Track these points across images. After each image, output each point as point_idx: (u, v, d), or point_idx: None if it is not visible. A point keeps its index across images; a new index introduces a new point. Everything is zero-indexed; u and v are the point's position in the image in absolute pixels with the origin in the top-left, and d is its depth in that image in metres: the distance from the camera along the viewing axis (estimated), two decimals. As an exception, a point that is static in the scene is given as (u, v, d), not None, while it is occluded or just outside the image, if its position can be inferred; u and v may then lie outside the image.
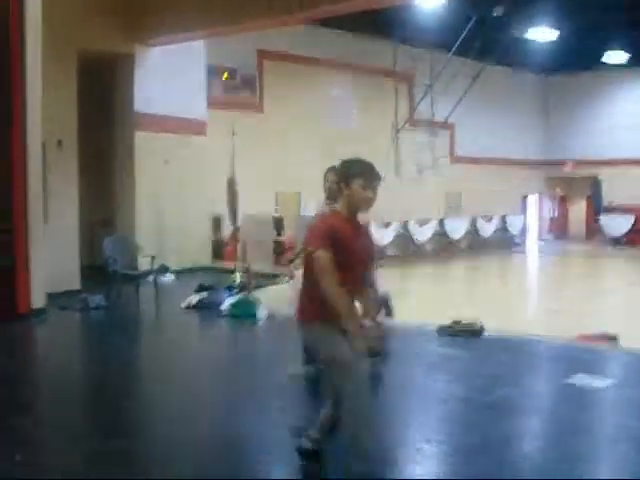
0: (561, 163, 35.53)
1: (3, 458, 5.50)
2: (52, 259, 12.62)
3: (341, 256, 4.78)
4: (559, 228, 38.05)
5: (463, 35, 24.76)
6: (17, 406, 7.17)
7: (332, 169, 7.81)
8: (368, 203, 4.99)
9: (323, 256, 4.75)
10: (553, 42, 26.64)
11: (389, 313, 12.13)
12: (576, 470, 5.48)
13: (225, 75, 21.94)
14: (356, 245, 4.92)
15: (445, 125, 28.04)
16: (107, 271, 13.20)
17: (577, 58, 30.03)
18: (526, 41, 26.67)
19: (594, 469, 5.59)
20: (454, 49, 25.40)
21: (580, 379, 7.81)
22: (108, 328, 11.88)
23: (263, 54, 23.63)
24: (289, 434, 5.66)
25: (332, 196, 7.85)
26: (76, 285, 14.03)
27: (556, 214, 38.22)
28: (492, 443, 5.96)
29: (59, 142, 14.17)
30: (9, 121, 11.35)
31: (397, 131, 26.36)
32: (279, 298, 13.18)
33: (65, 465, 5.50)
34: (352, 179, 4.95)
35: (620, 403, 7.40)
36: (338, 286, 4.72)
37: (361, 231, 5.09)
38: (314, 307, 4.89)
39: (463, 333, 10.23)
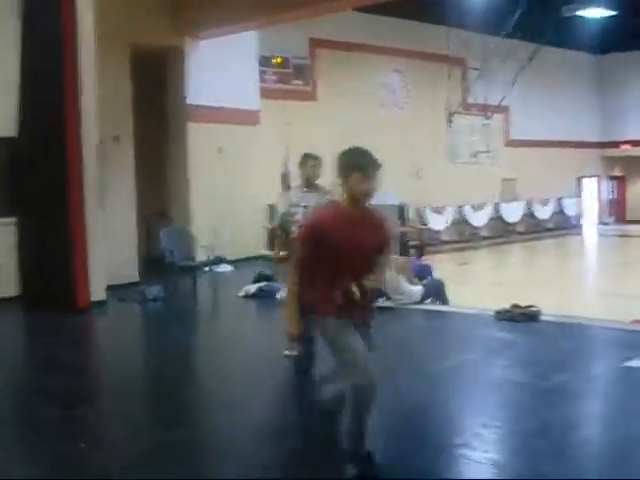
0: (618, 144, 35.06)
1: (69, 445, 5.62)
2: (110, 252, 12.82)
3: (330, 246, 4.75)
4: (618, 210, 37.52)
5: (515, 16, 24.49)
6: (80, 397, 7.34)
7: (309, 155, 8.21)
8: (366, 195, 4.87)
9: (297, 249, 5.02)
10: (607, 20, 26.26)
11: (444, 301, 12.16)
12: (637, 453, 5.44)
13: (278, 60, 21.97)
14: (351, 236, 4.79)
15: (499, 108, 27.78)
16: (164, 263, 13.37)
17: (631, 36, 29.52)
18: (579, 20, 26.33)
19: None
20: (507, 31, 25.13)
21: (638, 362, 7.73)
22: (167, 319, 12.04)
23: (315, 42, 23.63)
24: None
25: (309, 183, 8.16)
26: (134, 277, 14.22)
27: (615, 195, 37.68)
28: (550, 427, 5.93)
29: (115, 137, 14.36)
30: (65, 119, 11.53)
31: (450, 115, 26.20)
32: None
33: (127, 455, 5.60)
34: (349, 172, 4.86)
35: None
36: (295, 277, 4.90)
37: (364, 221, 4.92)
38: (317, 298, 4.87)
39: (521, 317, 10.17)
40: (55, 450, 5.59)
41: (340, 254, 4.76)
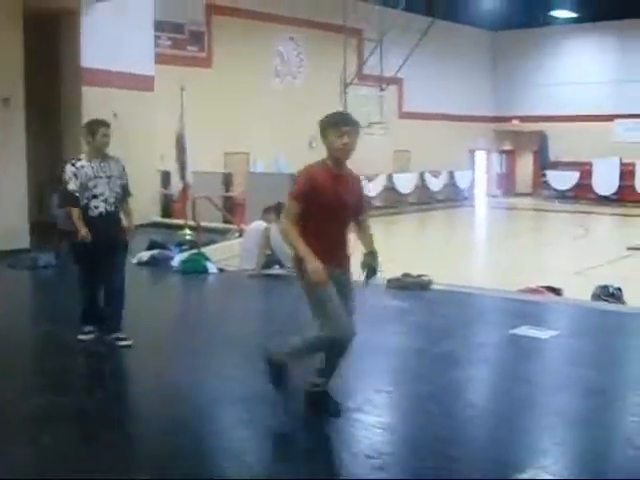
0: (509, 119, 35.88)
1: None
2: (0, 218, 12.54)
3: (321, 201, 5.19)
4: (507, 183, 38.44)
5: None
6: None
7: (102, 122, 7.62)
8: (344, 150, 5.27)
9: (290, 204, 5.27)
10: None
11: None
12: (520, 416, 5.68)
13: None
14: (337, 193, 5.25)
15: (393, 80, 28.05)
16: (56, 229, 13.13)
17: (524, 14, 30.19)
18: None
19: (538, 415, 5.77)
20: (403, 4, 25.34)
21: (524, 330, 8.02)
22: (58, 286, 11.84)
23: (211, 8, 23.44)
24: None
25: (102, 154, 7.48)
26: (25, 244, 13.92)
27: (504, 169, 38.59)
28: (439, 392, 6.13)
29: (5, 100, 13.98)
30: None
31: (345, 86, 26.33)
32: (228, 253, 13.25)
33: (11, 418, 5.61)
34: (326, 131, 5.29)
35: (563, 353, 7.63)
36: (295, 230, 5.19)
37: (345, 179, 5.40)
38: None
39: (412, 286, 10.39)
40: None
41: (328, 208, 5.20)
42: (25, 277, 12.09)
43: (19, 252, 13.15)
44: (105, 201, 7.37)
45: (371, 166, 28.72)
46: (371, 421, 5.42)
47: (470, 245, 21.89)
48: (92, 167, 7.36)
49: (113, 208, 7.46)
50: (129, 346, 7.31)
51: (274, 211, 12.00)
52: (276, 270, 11.85)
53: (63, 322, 8.72)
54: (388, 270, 11.28)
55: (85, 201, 7.31)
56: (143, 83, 18.11)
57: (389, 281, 10.65)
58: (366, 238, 5.59)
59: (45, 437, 5.11)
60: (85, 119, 16.61)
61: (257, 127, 24.03)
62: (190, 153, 16.22)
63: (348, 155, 5.31)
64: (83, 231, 7.23)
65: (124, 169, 7.71)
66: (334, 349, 5.32)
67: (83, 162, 7.38)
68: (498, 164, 38.55)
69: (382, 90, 27.33)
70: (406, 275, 10.75)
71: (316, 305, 5.26)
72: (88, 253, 7.37)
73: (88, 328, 7.59)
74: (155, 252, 12.85)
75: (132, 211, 7.86)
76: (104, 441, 5.15)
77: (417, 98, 31.06)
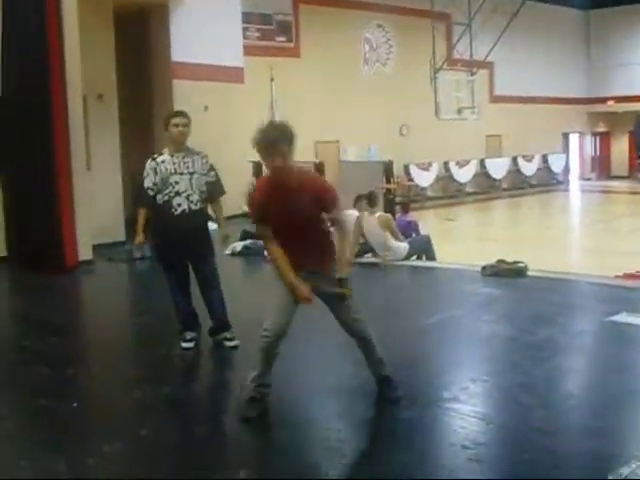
0: (604, 100, 35.06)
1: (63, 405, 5.66)
2: (97, 211, 12.79)
3: (270, 214, 5.10)
4: (601, 166, 37.64)
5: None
6: (71, 356, 7.38)
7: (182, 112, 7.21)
8: (267, 167, 5.19)
9: (257, 229, 5.36)
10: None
11: (431, 257, 12.23)
12: (621, 406, 5.53)
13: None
14: (279, 200, 5.05)
15: (484, 64, 27.69)
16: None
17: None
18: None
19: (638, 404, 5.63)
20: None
21: (623, 317, 7.81)
22: (154, 277, 12.02)
23: (298, -2, 23.50)
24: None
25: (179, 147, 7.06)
26: (121, 237, 14.19)
27: (598, 152, 37.78)
28: (536, 381, 6.02)
29: (99, 95, 14.24)
30: (49, 76, 11.44)
31: (435, 71, 26.10)
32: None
33: (118, 412, 5.67)
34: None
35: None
36: (274, 248, 5.16)
37: (286, 183, 5.11)
38: None
39: (507, 273, 10.24)
40: (49, 409, 5.63)
41: (278, 219, 5.06)
42: (122, 269, 12.34)
43: (115, 245, 13.41)
44: (187, 198, 6.91)
45: (463, 151, 28.51)
46: (467, 411, 5.35)
47: (565, 230, 21.51)
48: (173, 162, 6.93)
49: (198, 206, 6.99)
50: (236, 347, 7.04)
51: (366, 200, 12.00)
52: (369, 258, 11.84)
53: (160, 313, 8.86)
54: (482, 257, 11.22)
55: (166, 198, 6.90)
56: (233, 75, 18.26)
57: (484, 268, 10.52)
58: (339, 246, 5.25)
59: (144, 430, 5.18)
60: (177, 112, 17.06)
61: (347, 115, 24.03)
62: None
63: (271, 169, 5.15)
64: (139, 237, 7.16)
65: (212, 166, 7.25)
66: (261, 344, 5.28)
67: (164, 156, 6.97)
68: (592, 147, 37.74)
69: (472, 74, 27.02)
70: (501, 262, 10.60)
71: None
72: (168, 255, 7.12)
73: (189, 335, 7.20)
74: (248, 242, 12.95)
75: (222, 213, 7.53)
76: (201, 434, 5.20)
77: (508, 81, 30.60)
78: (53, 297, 10.29)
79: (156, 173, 6.92)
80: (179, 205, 6.90)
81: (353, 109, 24.31)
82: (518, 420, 5.28)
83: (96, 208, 12.79)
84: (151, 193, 6.94)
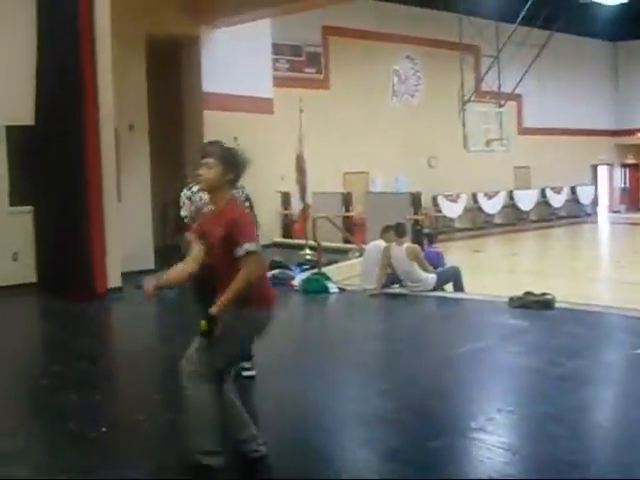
0: (632, 131, 34.96)
1: (92, 430, 5.73)
2: (127, 239, 12.91)
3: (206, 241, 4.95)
4: (630, 198, 37.45)
5: (529, 3, 24.46)
6: (99, 381, 7.46)
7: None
8: (199, 180, 5.06)
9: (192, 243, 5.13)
10: (622, 7, 26.19)
11: (459, 287, 12.22)
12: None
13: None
14: (207, 229, 4.95)
15: (512, 96, 27.74)
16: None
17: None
18: (594, 6, 26.25)
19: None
20: (520, 18, 25.08)
21: (652, 350, 7.79)
22: (182, 305, 12.10)
23: (328, 30, 23.69)
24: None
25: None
26: (150, 265, 14.28)
27: (627, 184, 37.61)
28: (563, 412, 6.00)
29: (131, 126, 14.41)
30: (83, 107, 11.61)
31: (464, 103, 26.18)
32: (349, 273, 13.33)
33: (146, 436, 5.76)
34: None
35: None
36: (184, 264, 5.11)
37: (217, 214, 4.96)
38: None
39: (535, 305, 10.22)
40: (78, 434, 5.69)
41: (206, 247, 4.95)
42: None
43: (145, 273, 13.50)
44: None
45: (492, 183, 28.51)
46: (493, 441, 5.35)
47: (593, 262, 21.41)
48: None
49: None
50: (252, 377, 7.02)
51: (394, 230, 12.05)
52: (397, 289, 11.87)
53: (188, 342, 8.92)
54: (510, 289, 11.21)
55: None
56: (262, 106, 18.41)
57: (511, 299, 10.52)
58: (232, 284, 4.67)
59: (172, 453, 5.23)
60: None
61: (375, 146, 24.14)
62: (310, 174, 16.42)
63: (203, 185, 5.04)
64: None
65: (247, 197, 7.15)
66: None
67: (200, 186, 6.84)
68: (621, 178, 37.58)
69: (501, 106, 27.07)
70: (528, 293, 10.58)
71: None
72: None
73: (248, 364, 7.11)
74: (276, 272, 13.01)
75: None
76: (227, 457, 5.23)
77: (536, 113, 30.63)
78: (82, 323, 10.39)
79: (191, 202, 6.94)
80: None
81: (382, 140, 24.42)
82: (544, 451, 5.26)
83: (126, 237, 12.91)
84: (187, 221, 6.91)
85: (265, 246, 16.64)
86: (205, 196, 6.71)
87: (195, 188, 6.97)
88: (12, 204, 12.62)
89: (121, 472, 4.94)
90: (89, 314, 10.98)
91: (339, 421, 6.08)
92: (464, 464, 5.21)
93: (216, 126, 17.02)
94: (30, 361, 8.55)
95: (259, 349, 7.45)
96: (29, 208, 12.56)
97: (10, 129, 12.48)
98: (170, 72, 17.51)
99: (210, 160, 4.96)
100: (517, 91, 27.72)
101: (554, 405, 6.21)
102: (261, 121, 18.22)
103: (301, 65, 23.17)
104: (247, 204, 7.18)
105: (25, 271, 12.37)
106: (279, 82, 20.03)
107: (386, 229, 12.35)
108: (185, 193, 7.09)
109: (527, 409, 6.31)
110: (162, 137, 16.80)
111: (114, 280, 12.19)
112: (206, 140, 7.51)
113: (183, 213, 7.02)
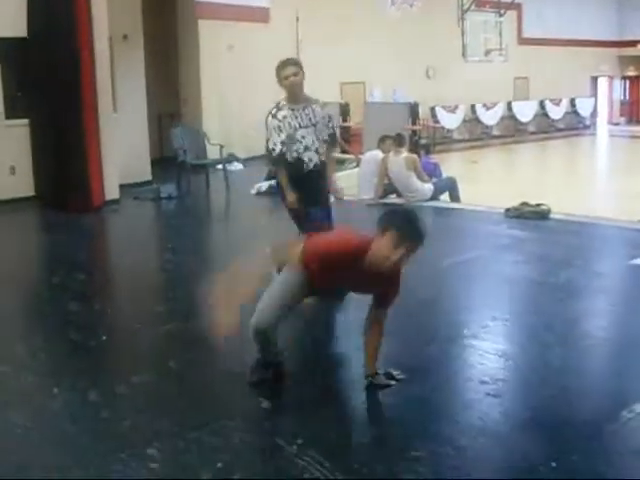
0: (635, 43, 34.51)
1: (93, 339, 5.84)
2: (123, 151, 12.88)
3: None
4: (630, 110, 37.18)
5: None
6: (99, 291, 7.57)
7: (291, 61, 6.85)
8: None
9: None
10: None
11: (455, 198, 12.26)
12: (635, 345, 5.61)
13: None
14: None
15: (512, 5, 27.33)
16: (177, 162, 13.47)
17: None
18: None
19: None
20: None
21: (646, 260, 7.86)
22: (180, 216, 12.20)
23: None
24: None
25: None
26: (147, 176, 14.30)
27: (627, 96, 37.30)
28: (556, 322, 6.09)
29: (125, 36, 14.23)
30: (76, 17, 11.45)
31: (463, 12, 25.81)
32: (346, 183, 13.33)
33: (144, 344, 5.88)
34: None
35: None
36: None
37: None
38: None
39: (531, 215, 10.27)
40: (79, 342, 5.79)
41: None
42: (149, 208, 12.46)
43: (142, 184, 13.53)
44: (316, 152, 6.60)
45: (490, 94, 28.27)
46: (486, 348, 5.45)
47: (591, 174, 21.41)
48: (296, 116, 6.58)
49: (323, 159, 6.68)
50: None
51: (393, 140, 12.03)
52: (394, 199, 11.91)
53: (187, 251, 9.04)
54: (506, 199, 11.24)
55: (295, 154, 6.57)
56: (258, 15, 18.19)
57: (507, 210, 10.56)
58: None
59: (172, 362, 5.32)
60: (201, 52, 17.04)
61: (373, 56, 23.84)
62: (307, 83, 16.28)
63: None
64: (291, 198, 6.65)
65: (330, 117, 6.88)
66: None
67: (285, 111, 6.58)
68: (621, 91, 37.26)
69: (501, 16, 26.72)
70: (524, 204, 10.62)
71: None
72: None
73: None
74: (273, 182, 13.02)
75: (334, 163, 7.09)
76: (229, 367, 5.32)
77: (536, 23, 30.16)
78: (80, 235, 10.45)
79: (281, 131, 6.54)
80: (310, 160, 6.60)
81: (380, 50, 24.11)
82: (537, 358, 5.37)
83: (123, 148, 12.88)
84: (278, 151, 6.56)
85: (263, 157, 16.61)
86: (294, 121, 6.57)
87: (281, 114, 6.59)
88: (7, 117, 12.53)
89: (120, 379, 5.03)
90: (87, 226, 11.04)
91: (336, 331, 6.18)
92: (456, 368, 5.31)
93: (211, 35, 16.88)
94: (29, 273, 8.64)
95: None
96: (25, 121, 12.47)
97: (3, 41, 12.31)
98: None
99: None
100: (517, 0, 27.30)
101: (547, 314, 6.31)
102: (257, 30, 18.00)
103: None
104: (331, 125, 6.91)
105: (23, 184, 12.37)
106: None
107: (383, 139, 12.33)
108: (272, 122, 6.60)
109: (521, 318, 6.41)
110: (156, 47, 16.64)
111: (111, 192, 12.22)
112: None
113: (272, 144, 6.58)
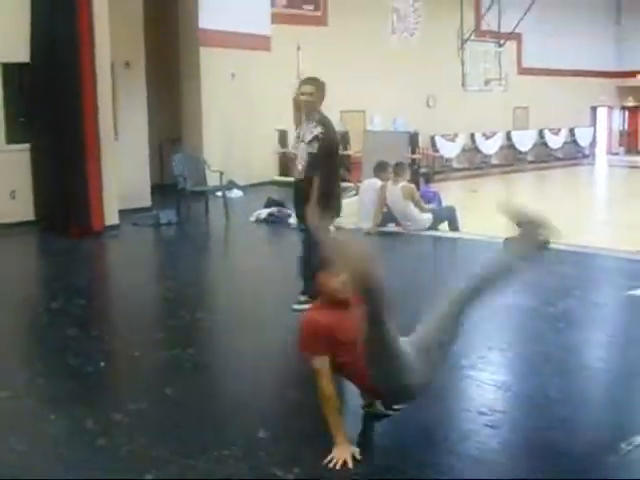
0: (633, 73, 34.66)
1: (90, 364, 5.83)
2: (123, 177, 12.90)
3: None
4: (629, 140, 37.30)
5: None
6: (96, 317, 7.57)
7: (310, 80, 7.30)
8: None
9: None
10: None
11: (454, 227, 12.27)
12: (637, 379, 5.61)
13: None
14: None
15: (512, 35, 27.50)
16: (177, 188, 13.50)
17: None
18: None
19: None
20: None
21: (644, 291, 7.86)
22: (179, 242, 12.21)
23: (327, -34, 23.34)
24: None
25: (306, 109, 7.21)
26: (147, 202, 14.30)
27: (626, 126, 37.42)
28: (554, 352, 6.09)
29: (127, 63, 14.28)
30: (78, 43, 11.51)
31: (463, 42, 25.96)
32: (346, 211, 13.33)
33: (142, 371, 5.88)
34: None
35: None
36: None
37: None
38: None
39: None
40: (77, 368, 5.78)
41: None
42: (148, 234, 12.47)
43: (141, 210, 13.55)
44: (301, 166, 7.17)
45: (489, 123, 28.38)
46: (484, 378, 5.45)
47: (590, 204, 21.46)
48: (300, 130, 7.31)
49: (302, 176, 7.15)
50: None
51: (393, 170, 12.06)
52: (392, 228, 11.92)
53: (185, 279, 9.03)
54: (506, 229, 11.23)
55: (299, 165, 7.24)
56: (260, 43, 18.29)
57: (506, 240, 10.55)
58: None
59: (169, 389, 5.32)
60: (203, 79, 17.11)
61: (374, 85, 23.95)
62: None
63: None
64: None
65: (316, 137, 7.05)
66: None
67: (302, 125, 7.29)
68: (620, 121, 37.40)
69: (500, 46, 26.87)
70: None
71: None
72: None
73: (305, 298, 6.93)
74: (273, 210, 13.07)
75: (316, 188, 6.93)
76: (227, 396, 5.32)
77: (536, 53, 30.33)
78: (80, 260, 10.47)
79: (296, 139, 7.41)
80: (298, 171, 7.26)
81: (380, 79, 24.22)
82: (535, 389, 5.37)
83: (123, 174, 12.91)
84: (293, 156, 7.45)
85: (262, 184, 16.71)
86: (300, 133, 7.28)
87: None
88: (9, 142, 12.58)
89: (118, 405, 5.03)
90: (87, 251, 11.06)
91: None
92: (454, 399, 5.30)
93: (213, 63, 16.97)
94: (29, 297, 8.62)
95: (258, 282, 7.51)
96: (26, 146, 12.51)
97: (6, 67, 12.38)
98: (167, 8, 17.33)
99: None
100: (517, 30, 27.47)
101: (545, 344, 6.30)
102: (259, 58, 18.11)
103: (299, 2, 22.87)
104: (315, 145, 7.13)
105: (23, 209, 12.36)
106: (277, 19, 19.84)
107: (379, 166, 12.36)
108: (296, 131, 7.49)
109: (519, 347, 6.40)
110: (158, 74, 16.70)
111: (111, 217, 12.21)
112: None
113: (288, 149, 7.47)
